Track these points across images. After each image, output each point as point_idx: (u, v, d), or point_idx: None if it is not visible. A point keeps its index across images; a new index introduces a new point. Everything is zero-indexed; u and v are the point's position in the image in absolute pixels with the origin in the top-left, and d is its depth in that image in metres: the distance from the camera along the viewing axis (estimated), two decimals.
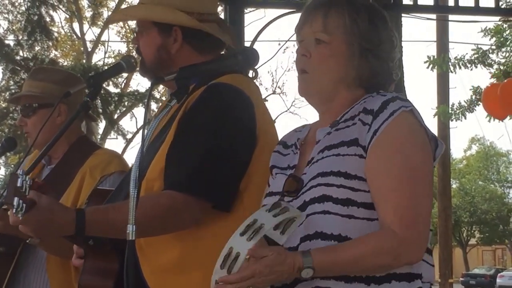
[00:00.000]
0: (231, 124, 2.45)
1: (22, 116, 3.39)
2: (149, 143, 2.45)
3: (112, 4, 24.42)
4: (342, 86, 2.15)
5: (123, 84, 24.48)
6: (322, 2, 2.18)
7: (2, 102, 19.03)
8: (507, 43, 10.68)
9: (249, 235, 1.91)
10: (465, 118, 11.02)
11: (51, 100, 3.27)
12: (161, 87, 17.83)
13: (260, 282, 1.92)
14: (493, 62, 10.80)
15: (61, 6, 20.55)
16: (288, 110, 26.82)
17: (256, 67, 2.60)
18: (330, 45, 2.14)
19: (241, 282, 1.92)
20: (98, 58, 26.66)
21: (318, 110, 2.23)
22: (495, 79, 10.27)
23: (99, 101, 16.68)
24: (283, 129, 2.71)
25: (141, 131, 2.10)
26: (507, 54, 10.76)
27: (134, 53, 2.91)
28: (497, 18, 10.12)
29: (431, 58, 11.12)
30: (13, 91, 16.68)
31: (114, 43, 44.54)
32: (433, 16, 10.97)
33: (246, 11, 5.89)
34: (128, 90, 22.70)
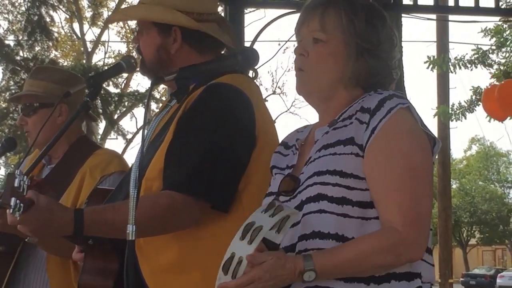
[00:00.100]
0: (230, 124, 2.46)
1: (22, 115, 3.40)
2: (149, 143, 2.46)
3: (112, 4, 24.45)
4: (340, 85, 2.15)
5: (123, 84, 24.49)
6: (320, 2, 2.18)
7: (2, 102, 19.03)
8: (507, 43, 10.67)
9: (249, 238, 1.91)
10: (465, 118, 11.02)
11: (52, 99, 3.28)
12: (161, 87, 17.87)
13: None
14: (493, 62, 10.79)
15: (61, 6, 20.55)
16: (288, 110, 26.84)
17: (256, 67, 2.61)
18: (327, 44, 2.14)
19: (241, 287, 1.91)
20: (98, 58, 26.68)
21: (317, 110, 2.23)
22: (495, 79, 10.27)
23: (99, 101, 16.68)
24: (283, 129, 2.72)
25: (141, 131, 2.10)
26: (507, 54, 10.75)
27: (134, 53, 2.91)
28: (497, 18, 10.11)
29: (431, 58, 11.11)
30: (13, 91, 16.66)
31: (114, 43, 44.61)
32: (433, 16, 10.96)
33: (246, 11, 5.89)
34: (128, 90, 22.70)
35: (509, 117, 9.30)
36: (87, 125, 3.52)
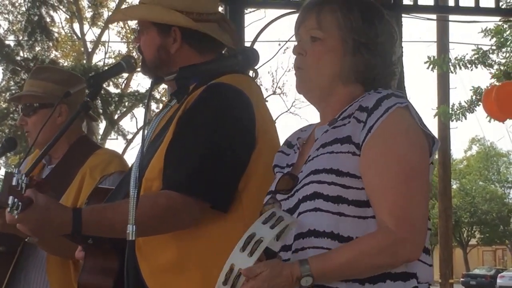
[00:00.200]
0: (230, 124, 2.46)
1: (23, 115, 3.40)
2: (149, 143, 2.46)
3: (113, 5, 24.46)
4: (339, 81, 2.15)
5: (123, 84, 24.50)
6: (316, 1, 2.19)
7: (2, 102, 19.03)
8: (507, 43, 10.66)
9: (250, 250, 1.91)
10: (466, 119, 11.00)
11: (52, 100, 3.28)
12: (161, 87, 17.86)
13: None
14: (493, 63, 10.78)
15: (61, 7, 20.56)
16: (289, 110, 26.83)
17: (256, 67, 2.61)
18: (324, 42, 2.14)
19: None
20: (98, 58, 26.70)
21: (317, 108, 2.23)
22: (495, 79, 10.26)
23: (100, 101, 16.68)
24: (283, 129, 2.72)
25: (141, 132, 2.10)
26: (508, 55, 10.74)
27: (134, 53, 2.91)
28: (497, 18, 10.10)
29: (432, 59, 11.10)
30: (13, 91, 16.67)
31: (114, 43, 44.59)
32: (434, 16, 10.95)
33: (246, 11, 5.89)
34: (128, 91, 22.70)
35: (508, 119, 9.30)
36: (87, 125, 3.52)
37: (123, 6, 21.28)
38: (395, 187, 1.98)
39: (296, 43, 2.23)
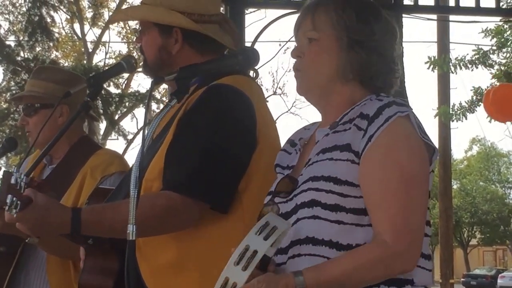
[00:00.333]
0: (230, 125, 2.46)
1: (24, 115, 3.40)
2: (150, 143, 2.46)
3: (113, 5, 24.45)
4: (337, 80, 2.15)
5: (124, 84, 24.48)
6: (311, 4, 2.20)
7: (3, 103, 19.02)
8: (508, 43, 10.66)
9: (244, 264, 1.91)
10: (466, 119, 10.99)
11: (53, 100, 3.28)
12: (162, 88, 17.87)
13: None
14: (494, 63, 10.77)
15: (62, 7, 20.53)
16: (289, 110, 26.82)
17: (256, 68, 2.61)
18: (320, 42, 2.15)
19: None
20: (99, 58, 26.76)
21: (318, 109, 2.23)
22: (496, 79, 10.25)
23: (100, 101, 16.66)
24: (283, 129, 2.71)
25: (141, 132, 2.10)
26: (508, 55, 10.73)
27: (134, 54, 2.91)
28: (498, 18, 10.09)
29: (432, 59, 11.09)
30: (14, 92, 16.65)
31: (115, 44, 44.57)
32: (434, 16, 10.95)
33: (246, 11, 5.89)
34: (129, 91, 22.68)
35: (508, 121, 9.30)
36: (88, 125, 3.52)
37: (124, 7, 21.28)
38: (393, 199, 1.96)
39: (295, 44, 2.23)
